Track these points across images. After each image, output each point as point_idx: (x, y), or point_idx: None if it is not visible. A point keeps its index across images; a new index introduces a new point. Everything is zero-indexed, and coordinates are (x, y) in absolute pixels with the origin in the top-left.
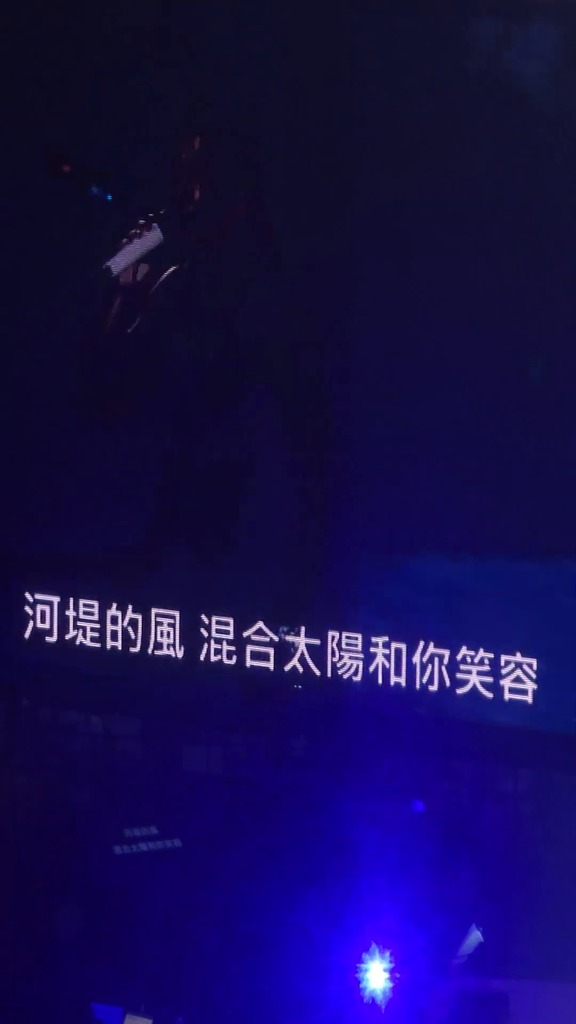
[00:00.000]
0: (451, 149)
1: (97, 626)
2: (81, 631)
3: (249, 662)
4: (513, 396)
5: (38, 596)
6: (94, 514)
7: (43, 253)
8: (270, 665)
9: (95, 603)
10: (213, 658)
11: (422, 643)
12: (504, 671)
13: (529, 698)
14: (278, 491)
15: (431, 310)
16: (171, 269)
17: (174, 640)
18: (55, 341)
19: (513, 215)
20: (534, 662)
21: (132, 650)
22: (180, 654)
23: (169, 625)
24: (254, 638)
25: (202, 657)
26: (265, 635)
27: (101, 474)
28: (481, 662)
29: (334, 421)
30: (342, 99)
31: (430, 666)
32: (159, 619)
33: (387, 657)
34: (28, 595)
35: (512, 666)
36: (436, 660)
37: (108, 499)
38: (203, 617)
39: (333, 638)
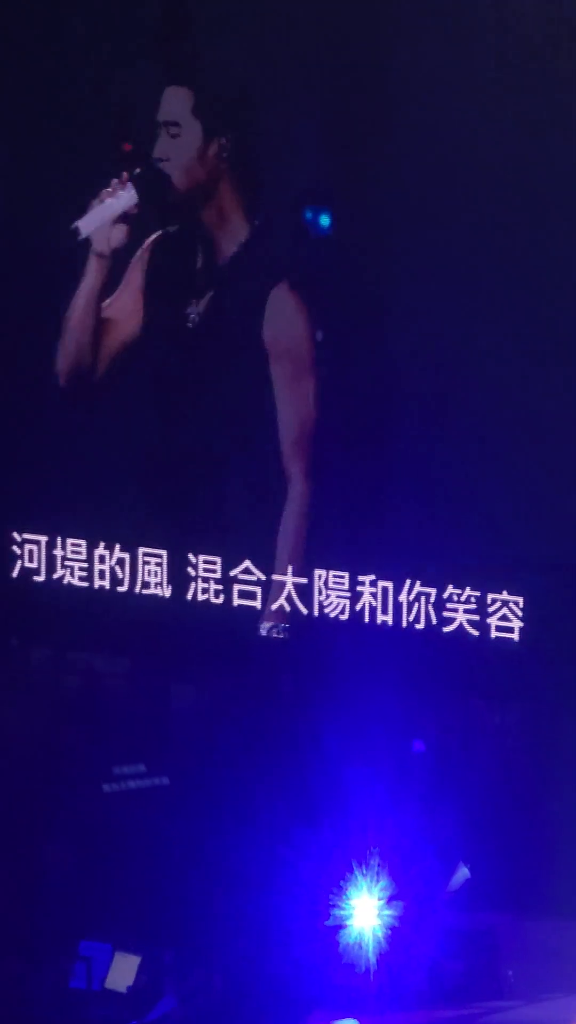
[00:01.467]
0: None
1: (85, 565)
2: (69, 570)
3: (236, 601)
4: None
5: (26, 536)
6: (81, 454)
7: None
8: (257, 604)
9: (83, 542)
10: (200, 597)
11: (408, 581)
12: (491, 609)
13: (516, 635)
14: (267, 432)
15: None
16: (155, 235)
17: (162, 579)
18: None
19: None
20: (520, 600)
21: (120, 589)
22: (168, 593)
23: (156, 564)
24: (241, 577)
25: (189, 596)
26: (252, 574)
27: (88, 415)
28: (468, 600)
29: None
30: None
31: (417, 604)
32: (146, 558)
33: (374, 596)
34: (16, 535)
35: (499, 604)
36: (423, 598)
37: (95, 440)
38: (190, 556)
39: (320, 577)
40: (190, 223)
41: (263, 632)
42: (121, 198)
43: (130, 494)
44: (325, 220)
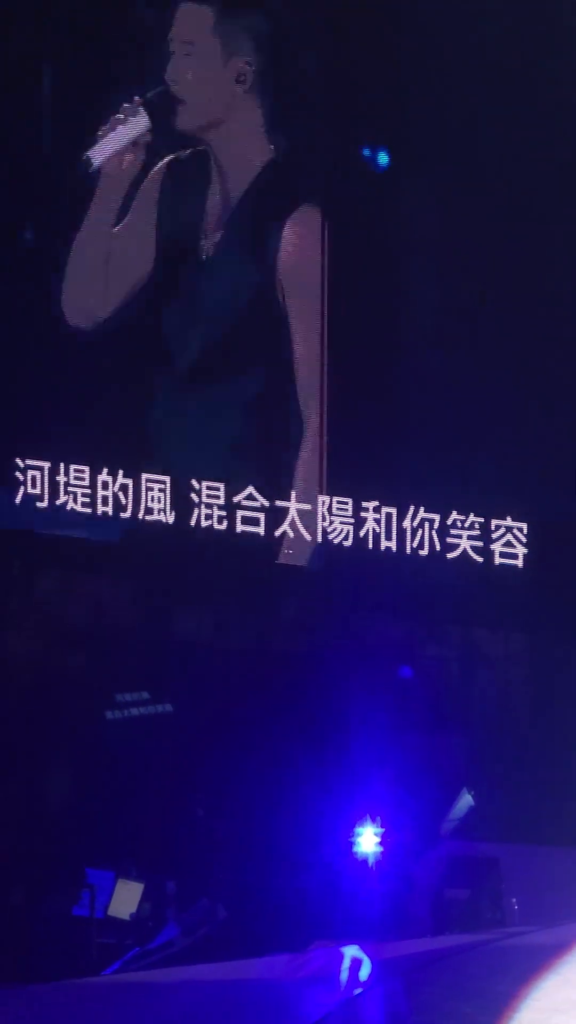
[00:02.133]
0: None
1: (88, 491)
2: (72, 496)
3: (240, 527)
4: None
5: (29, 462)
6: (85, 381)
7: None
8: (261, 530)
9: (86, 468)
10: (204, 523)
11: (412, 508)
12: (495, 535)
13: (519, 562)
14: (276, 363)
15: None
16: (166, 160)
17: (164, 505)
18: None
19: None
20: (524, 526)
21: (123, 515)
22: (171, 519)
23: (160, 490)
24: (244, 503)
25: (193, 522)
26: (256, 500)
27: (92, 342)
28: (472, 526)
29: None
30: None
31: (421, 530)
32: (150, 484)
33: (378, 522)
34: (19, 461)
35: (503, 530)
36: (427, 524)
37: (100, 367)
38: (194, 482)
39: (324, 503)
40: (204, 149)
41: (267, 558)
42: (132, 124)
43: (134, 420)
44: (383, 158)
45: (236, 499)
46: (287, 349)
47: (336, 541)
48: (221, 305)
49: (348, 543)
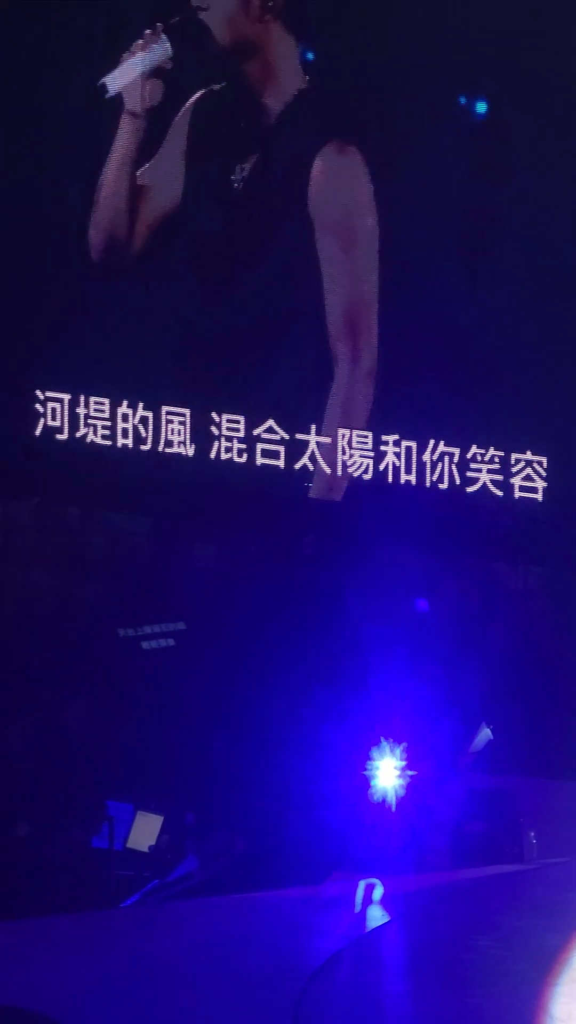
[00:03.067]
0: None
1: (108, 423)
2: (92, 428)
3: (259, 460)
4: None
5: (49, 394)
6: (105, 314)
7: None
8: (280, 463)
9: (106, 401)
10: (224, 456)
11: (432, 441)
12: (514, 469)
13: (539, 496)
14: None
15: None
16: (197, 95)
17: (184, 438)
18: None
19: None
20: (544, 460)
21: (143, 448)
22: (191, 452)
23: (180, 423)
24: (264, 436)
25: (212, 455)
26: (276, 433)
27: (118, 280)
28: (491, 460)
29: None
30: None
31: (440, 464)
32: (169, 417)
33: (397, 455)
34: (39, 392)
35: (522, 464)
36: (446, 458)
37: (121, 301)
38: (213, 415)
39: (344, 436)
40: (233, 79)
41: (287, 491)
42: (154, 51)
43: (154, 353)
44: (481, 107)
45: (256, 432)
46: (317, 285)
47: (356, 474)
48: (250, 237)
49: (368, 476)
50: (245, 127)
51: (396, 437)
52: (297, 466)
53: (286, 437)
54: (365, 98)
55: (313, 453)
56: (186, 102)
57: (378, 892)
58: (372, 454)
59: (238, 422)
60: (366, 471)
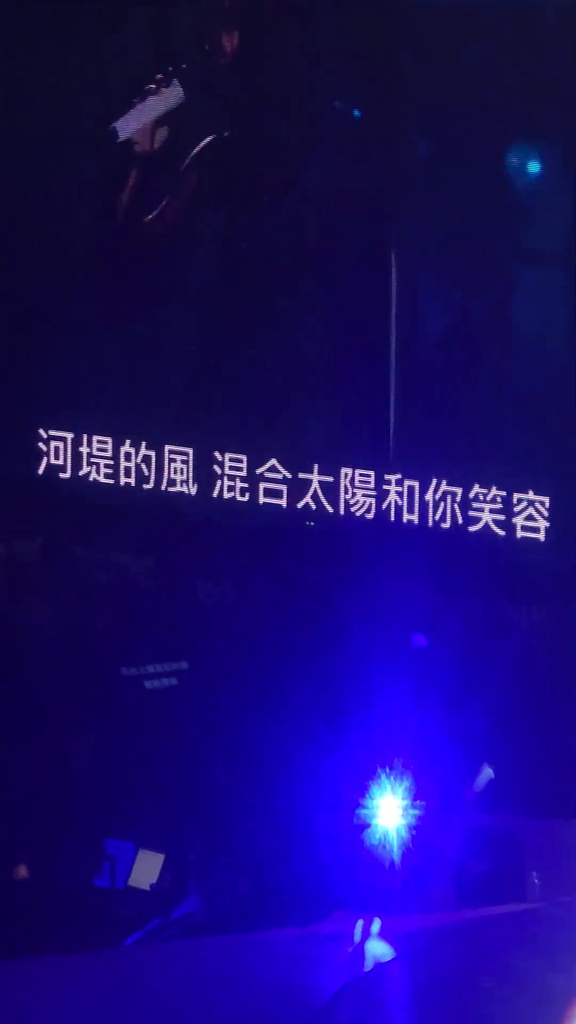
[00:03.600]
0: None
1: (111, 462)
2: (95, 467)
3: (262, 499)
4: None
5: (52, 432)
6: (108, 352)
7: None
8: (283, 502)
9: (109, 439)
10: (226, 495)
11: (435, 481)
12: (517, 508)
13: (541, 535)
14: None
15: None
16: (205, 141)
17: (187, 476)
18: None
19: None
20: (547, 500)
21: (146, 487)
22: (194, 491)
23: (183, 462)
24: (267, 475)
25: (215, 494)
26: (278, 472)
27: (115, 313)
28: (494, 499)
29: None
30: None
31: (443, 503)
32: (172, 456)
33: (400, 495)
34: (42, 431)
35: (525, 503)
36: (449, 497)
37: (122, 338)
38: (216, 454)
39: (346, 475)
40: (245, 125)
41: (289, 529)
42: (165, 96)
43: (157, 392)
44: (535, 167)
45: (259, 471)
46: (322, 333)
47: (358, 514)
48: (257, 286)
49: (370, 516)
50: (257, 174)
51: (399, 476)
52: (300, 504)
53: (288, 476)
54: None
55: (316, 492)
56: (195, 148)
57: (381, 931)
58: (375, 493)
59: (241, 460)
60: (368, 510)
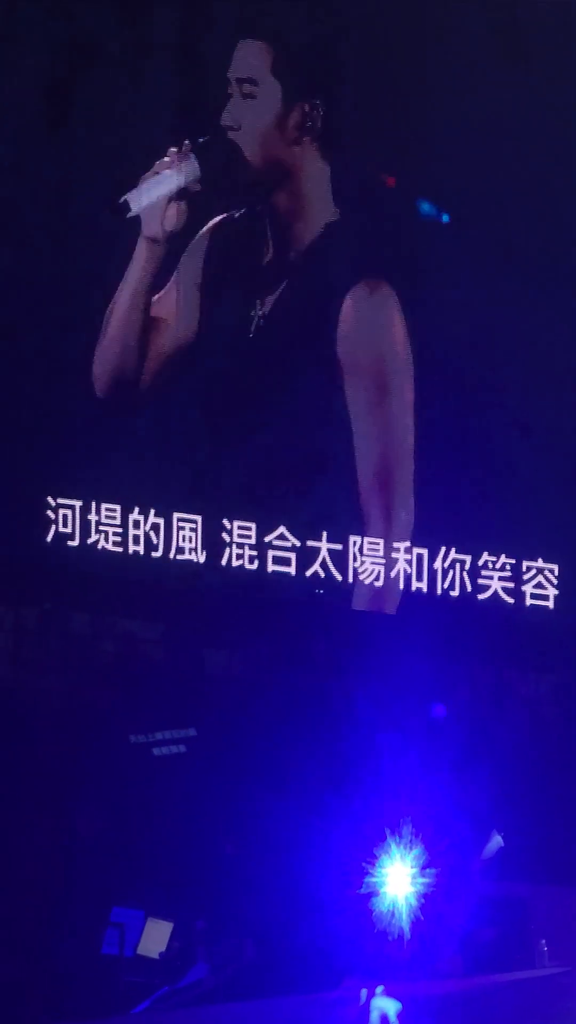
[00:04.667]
0: None
1: (119, 530)
2: (103, 535)
3: (271, 567)
4: None
5: (60, 500)
6: (116, 421)
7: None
8: (292, 570)
9: (117, 507)
10: (235, 563)
11: (443, 549)
12: (526, 576)
13: (551, 603)
14: (301, 400)
15: None
16: (217, 219)
17: (196, 544)
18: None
19: None
20: (556, 567)
21: (154, 554)
22: (202, 558)
23: (191, 530)
24: (276, 543)
25: (224, 562)
26: (287, 540)
27: (123, 384)
28: (503, 568)
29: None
30: None
31: (452, 571)
32: (181, 524)
33: (409, 563)
34: (50, 499)
35: (534, 572)
36: (458, 565)
37: (129, 406)
38: (225, 522)
39: (355, 543)
40: (260, 206)
41: (298, 598)
42: (180, 171)
43: (165, 460)
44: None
45: (267, 539)
46: (336, 424)
47: (367, 581)
48: (267, 383)
49: (379, 584)
50: (269, 259)
51: (407, 544)
52: (308, 573)
53: (297, 544)
54: (399, 234)
55: (324, 560)
56: (206, 226)
57: (389, 998)
58: (383, 561)
59: (250, 528)
60: (377, 578)
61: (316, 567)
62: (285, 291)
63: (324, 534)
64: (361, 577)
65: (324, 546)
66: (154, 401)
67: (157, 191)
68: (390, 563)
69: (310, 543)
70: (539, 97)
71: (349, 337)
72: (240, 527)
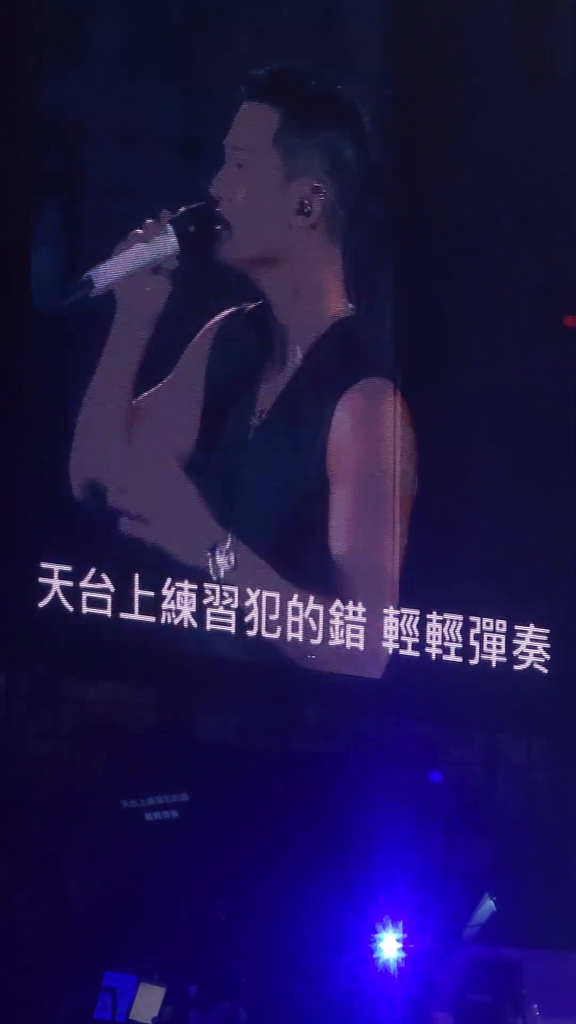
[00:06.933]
0: None
1: (112, 596)
2: (96, 601)
3: (264, 633)
4: None
5: (54, 566)
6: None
7: None
8: (276, 636)
9: (109, 574)
10: (222, 627)
11: (434, 613)
12: (518, 641)
13: (543, 668)
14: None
15: None
16: (221, 316)
17: (186, 609)
18: None
19: None
20: (547, 632)
21: (148, 619)
22: (195, 624)
23: (183, 596)
24: (265, 607)
25: (208, 627)
26: (274, 606)
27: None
28: (495, 631)
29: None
30: None
31: (444, 636)
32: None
33: (396, 628)
34: (44, 565)
35: (526, 636)
36: (449, 630)
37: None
38: (214, 587)
39: (340, 610)
40: (253, 293)
41: (284, 663)
42: (156, 244)
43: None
44: None
45: (247, 603)
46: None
47: (350, 647)
48: (270, 487)
49: (364, 648)
50: (266, 358)
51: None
52: (290, 639)
53: (283, 608)
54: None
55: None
56: (198, 315)
57: None
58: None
59: (232, 594)
60: (362, 643)
61: (299, 633)
62: (284, 394)
63: (311, 598)
64: (347, 642)
65: (307, 609)
66: None
67: (129, 265)
68: (376, 629)
69: (292, 603)
70: None
71: (337, 441)
72: (225, 591)
